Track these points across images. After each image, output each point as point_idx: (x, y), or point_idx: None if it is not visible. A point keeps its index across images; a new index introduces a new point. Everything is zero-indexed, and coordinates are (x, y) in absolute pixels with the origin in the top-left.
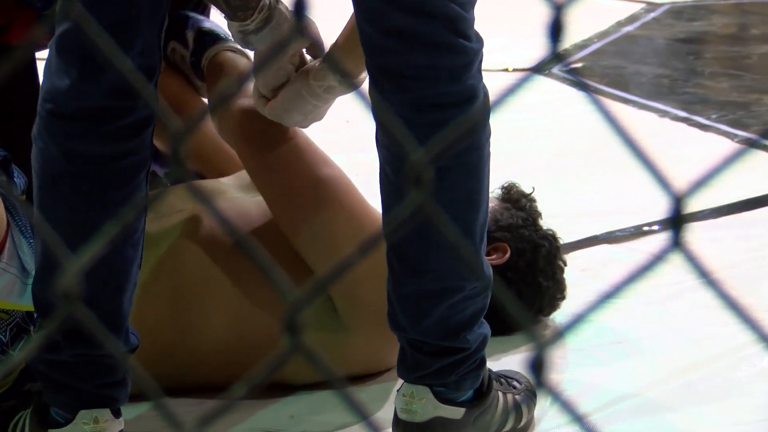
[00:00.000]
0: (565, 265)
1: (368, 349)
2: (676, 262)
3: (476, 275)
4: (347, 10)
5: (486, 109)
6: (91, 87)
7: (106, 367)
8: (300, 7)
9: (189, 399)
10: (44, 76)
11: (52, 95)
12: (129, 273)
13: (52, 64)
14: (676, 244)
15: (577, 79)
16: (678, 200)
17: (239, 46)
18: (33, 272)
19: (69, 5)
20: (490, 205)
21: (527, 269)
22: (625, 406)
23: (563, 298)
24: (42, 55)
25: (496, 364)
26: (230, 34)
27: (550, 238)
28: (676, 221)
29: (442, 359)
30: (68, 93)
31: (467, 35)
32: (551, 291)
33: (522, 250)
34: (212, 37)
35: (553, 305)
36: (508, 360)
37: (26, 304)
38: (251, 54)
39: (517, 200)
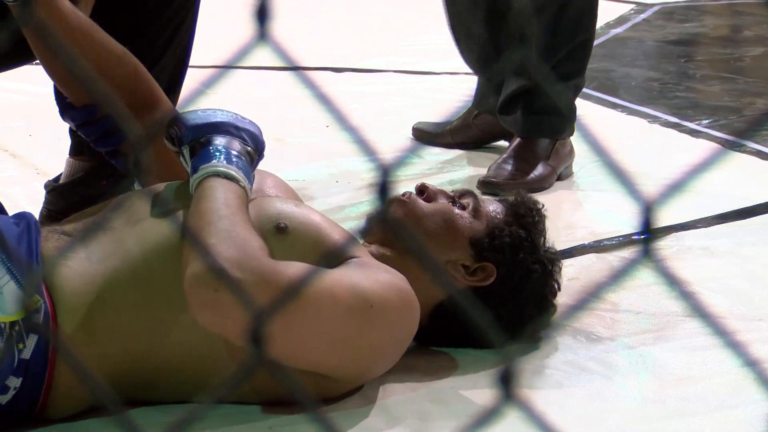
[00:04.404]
0: (560, 289)
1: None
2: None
3: None
4: (312, 18)
5: None
6: None
7: None
8: (263, 13)
9: (159, 407)
10: None
11: None
12: None
13: None
14: (646, 253)
15: None
16: (648, 209)
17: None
18: (5, 284)
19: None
20: (494, 217)
21: (511, 295)
22: (616, 420)
23: (548, 325)
24: None
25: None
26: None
27: (546, 262)
28: (647, 230)
29: None
30: None
31: None
32: (535, 317)
33: (509, 277)
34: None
35: (535, 332)
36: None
37: None
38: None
39: (522, 215)
